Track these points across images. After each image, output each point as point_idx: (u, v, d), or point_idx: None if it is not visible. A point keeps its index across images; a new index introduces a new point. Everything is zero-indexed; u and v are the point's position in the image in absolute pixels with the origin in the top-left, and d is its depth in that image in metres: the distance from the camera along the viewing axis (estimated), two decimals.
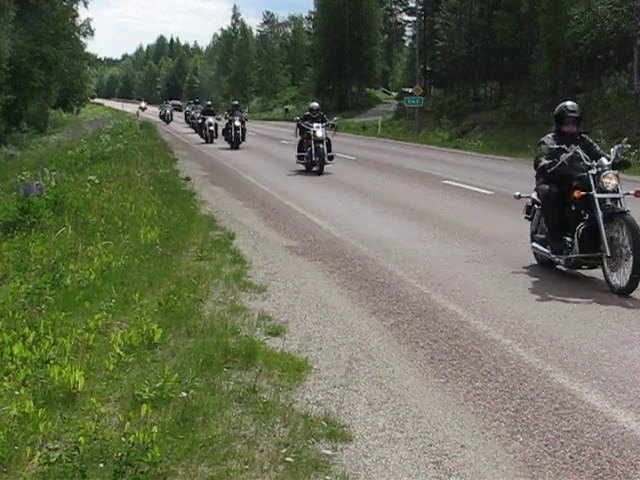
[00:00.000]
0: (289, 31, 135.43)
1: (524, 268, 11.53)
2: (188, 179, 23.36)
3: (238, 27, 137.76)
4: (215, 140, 44.02)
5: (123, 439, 5.37)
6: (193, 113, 59.24)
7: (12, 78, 40.88)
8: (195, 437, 5.58)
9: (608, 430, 5.94)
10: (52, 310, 8.49)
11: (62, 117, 73.72)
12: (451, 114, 56.05)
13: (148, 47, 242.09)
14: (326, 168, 26.20)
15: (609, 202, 10.30)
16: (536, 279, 10.88)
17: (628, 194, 10.51)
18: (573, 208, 10.74)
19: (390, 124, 65.29)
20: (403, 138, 51.82)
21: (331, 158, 26.86)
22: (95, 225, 13.71)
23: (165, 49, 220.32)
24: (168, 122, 73.31)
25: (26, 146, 42.77)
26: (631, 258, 9.70)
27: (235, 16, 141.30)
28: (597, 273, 10.67)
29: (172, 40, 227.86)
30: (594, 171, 10.63)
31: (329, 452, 5.54)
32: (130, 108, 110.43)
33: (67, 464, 5.01)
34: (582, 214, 10.55)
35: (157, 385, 6.30)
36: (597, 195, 10.33)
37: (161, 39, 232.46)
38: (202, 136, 46.49)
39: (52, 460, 5.12)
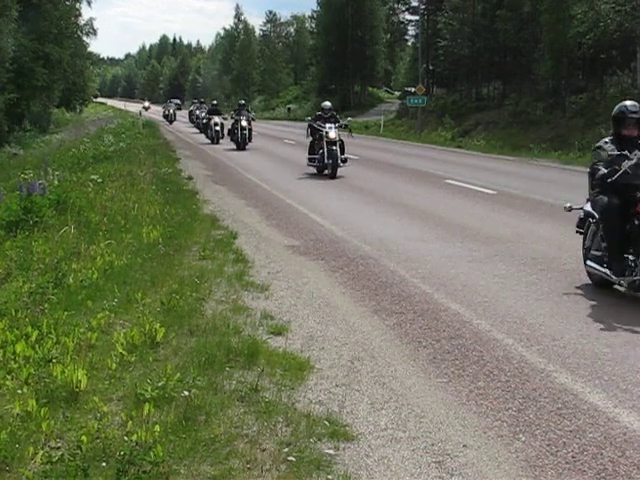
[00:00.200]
0: (292, 30, 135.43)
1: (526, 268, 11.52)
2: (191, 178, 23.36)
3: (241, 26, 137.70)
4: (221, 141, 42.60)
5: (125, 438, 5.37)
6: (198, 113, 57.90)
7: (15, 77, 40.87)
8: (197, 436, 5.58)
9: (610, 430, 5.94)
10: (55, 309, 8.50)
11: (65, 116, 73.71)
12: (453, 113, 56.00)
13: (151, 46, 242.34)
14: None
15: None
16: (537, 279, 10.87)
17: None
18: (637, 222, 9.46)
19: (392, 123, 65.29)
20: (405, 137, 51.84)
21: (344, 161, 25.25)
22: (98, 224, 13.72)
23: (168, 48, 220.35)
24: (171, 122, 72.38)
25: (29, 145, 42.78)
26: None
27: (238, 15, 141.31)
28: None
29: (175, 39, 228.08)
30: None
31: (331, 451, 5.54)
32: (133, 107, 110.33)
33: (69, 463, 5.02)
34: None
35: (159, 384, 6.30)
36: None
37: (164, 38, 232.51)
38: (207, 136, 45.40)
39: (54, 459, 5.13)
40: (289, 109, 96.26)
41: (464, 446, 5.70)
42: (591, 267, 10.35)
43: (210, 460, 5.31)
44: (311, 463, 5.32)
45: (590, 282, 10.50)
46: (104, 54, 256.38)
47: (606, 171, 9.85)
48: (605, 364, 7.34)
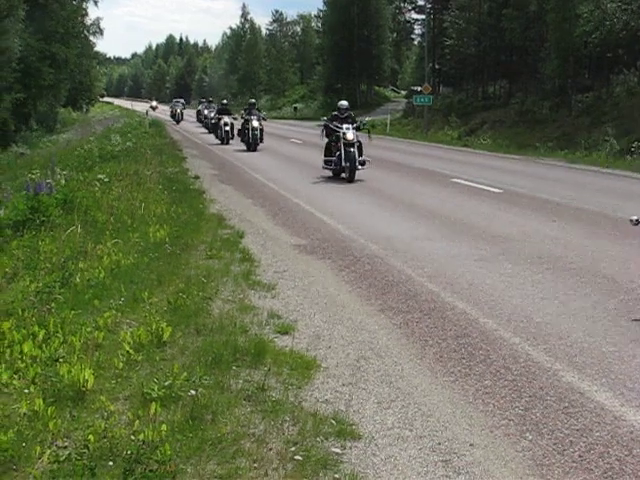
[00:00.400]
0: (298, 30, 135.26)
1: (532, 266, 11.51)
2: (197, 177, 23.36)
3: (247, 26, 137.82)
4: (231, 141, 41.28)
5: (132, 437, 5.38)
6: (206, 112, 56.60)
7: (22, 77, 40.93)
8: (204, 435, 5.59)
9: (617, 429, 5.94)
10: (62, 308, 8.51)
11: (71, 116, 73.79)
12: (460, 112, 56.00)
13: (157, 46, 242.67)
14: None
15: None
16: (543, 278, 10.86)
17: None
18: None
19: (399, 122, 65.28)
20: (412, 136, 51.79)
21: (363, 163, 23.81)
22: (104, 224, 13.73)
23: (174, 48, 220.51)
24: (179, 121, 71.63)
25: (35, 145, 42.84)
26: None
27: (244, 15, 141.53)
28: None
29: (181, 39, 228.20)
30: None
31: (338, 450, 5.55)
32: (139, 107, 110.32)
33: (77, 462, 5.03)
34: None
35: (166, 383, 6.31)
36: None
37: (170, 38, 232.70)
38: (217, 137, 43.76)
39: (62, 458, 5.14)
40: (295, 108, 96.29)
41: (471, 445, 5.70)
42: None
43: (217, 459, 5.31)
44: (318, 462, 5.33)
45: (594, 280, 10.50)
46: (111, 53, 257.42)
47: None
48: (612, 363, 7.34)
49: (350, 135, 23.38)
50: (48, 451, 5.24)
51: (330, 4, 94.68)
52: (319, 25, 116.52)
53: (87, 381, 6.28)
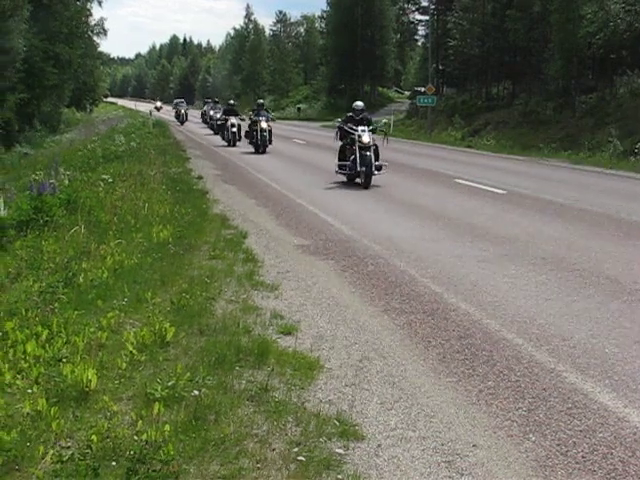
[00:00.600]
0: (302, 30, 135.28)
1: (535, 267, 11.51)
2: (200, 178, 23.37)
3: (251, 26, 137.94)
4: (238, 143, 40.11)
5: (135, 437, 5.38)
6: (212, 113, 55.78)
7: (25, 77, 40.94)
8: (207, 436, 5.59)
9: (621, 430, 5.93)
10: (65, 309, 8.51)
11: (75, 116, 73.77)
12: (463, 113, 55.99)
13: (161, 46, 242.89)
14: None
15: None
16: (547, 279, 10.85)
17: None
18: None
19: (402, 123, 65.25)
20: (415, 137, 51.79)
21: (379, 168, 22.43)
22: (108, 224, 13.73)
23: (178, 48, 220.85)
24: (183, 122, 71.20)
25: (39, 145, 42.83)
26: None
27: (248, 15, 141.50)
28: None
29: (185, 39, 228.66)
30: None
31: (341, 451, 5.55)
32: (143, 107, 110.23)
33: (80, 462, 5.03)
34: None
35: (169, 384, 6.31)
36: None
37: (174, 38, 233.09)
38: (223, 138, 42.34)
39: (65, 458, 5.14)
40: (299, 109, 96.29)
41: (474, 446, 5.70)
42: None
43: (220, 459, 5.32)
44: (321, 463, 5.33)
45: (598, 281, 10.50)
46: (114, 54, 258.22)
47: None
48: (615, 364, 7.34)
49: (366, 138, 22.13)
50: (51, 451, 5.24)
51: (334, 5, 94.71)
52: (323, 26, 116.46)
53: (90, 381, 6.29)
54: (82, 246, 11.81)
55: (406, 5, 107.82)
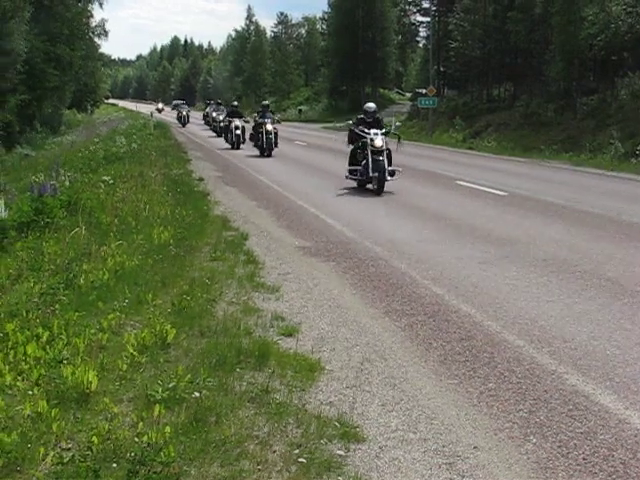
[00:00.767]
0: (303, 32, 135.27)
1: (537, 269, 11.50)
2: (202, 179, 23.37)
3: (252, 28, 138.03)
4: (242, 146, 39.06)
5: (136, 439, 5.38)
6: (215, 115, 54.22)
7: (26, 78, 40.96)
8: (208, 437, 5.58)
9: (622, 432, 5.93)
10: (66, 310, 8.50)
11: (76, 117, 73.85)
12: (465, 115, 56.01)
13: (162, 48, 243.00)
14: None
15: None
16: (548, 280, 10.84)
17: None
18: None
19: (403, 125, 65.01)
20: (417, 139, 51.71)
21: (392, 174, 21.21)
22: (109, 225, 13.73)
23: (179, 50, 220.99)
24: (185, 124, 70.39)
25: (40, 146, 42.84)
26: None
27: (249, 17, 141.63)
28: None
29: (186, 41, 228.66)
30: None
31: (342, 453, 5.55)
32: (144, 108, 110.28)
33: (80, 464, 5.03)
34: None
35: (170, 385, 6.31)
36: None
37: (175, 40, 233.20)
38: (227, 141, 41.11)
39: (65, 460, 5.14)
40: (300, 110, 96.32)
41: (475, 448, 5.69)
42: None
43: (220, 461, 5.31)
44: (322, 464, 5.33)
45: (599, 283, 10.50)
46: (115, 55, 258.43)
47: None
48: (616, 366, 7.33)
49: (379, 142, 21.00)
50: (52, 453, 5.23)
51: (335, 6, 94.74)
52: (324, 27, 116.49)
53: (91, 383, 6.28)
54: (83, 248, 11.81)
55: (407, 7, 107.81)
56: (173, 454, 5.10)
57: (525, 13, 50.33)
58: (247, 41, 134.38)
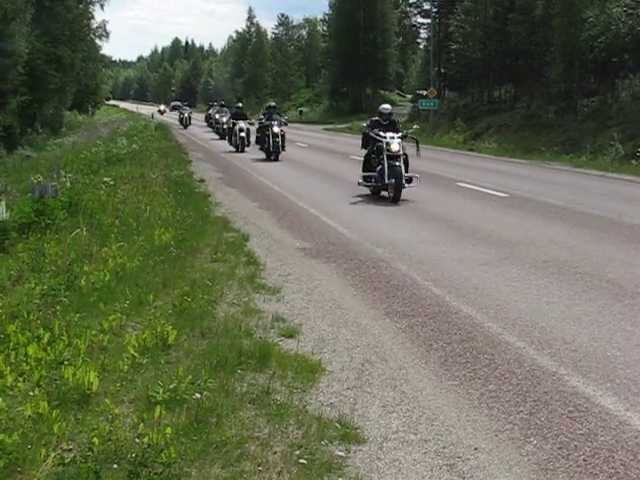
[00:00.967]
0: (304, 33, 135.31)
1: (537, 271, 11.50)
2: (202, 181, 23.38)
3: (253, 29, 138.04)
4: (247, 148, 37.64)
5: (137, 440, 5.38)
6: (218, 117, 52.58)
7: (28, 80, 40.96)
8: (209, 438, 5.59)
9: (622, 433, 5.93)
10: (67, 311, 8.51)
11: (77, 119, 73.74)
12: (465, 116, 56.07)
13: (163, 49, 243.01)
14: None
15: None
16: (549, 282, 10.84)
17: None
18: None
19: (404, 126, 65.24)
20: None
21: (409, 180, 20.03)
22: (110, 227, 13.73)
23: (180, 51, 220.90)
24: (186, 126, 69.21)
25: (41, 148, 42.82)
26: None
27: (250, 18, 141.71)
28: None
29: (187, 42, 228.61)
30: None
31: (342, 454, 5.55)
32: (145, 110, 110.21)
33: (81, 465, 5.03)
34: None
35: (171, 386, 6.31)
36: None
37: (176, 41, 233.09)
38: (231, 143, 39.74)
39: (66, 461, 5.14)
40: (301, 112, 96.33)
41: (475, 449, 5.70)
42: None
43: (221, 462, 5.32)
44: (322, 466, 5.33)
45: (600, 285, 10.51)
46: (116, 56, 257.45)
47: None
48: (617, 367, 7.33)
49: (395, 146, 19.74)
50: (53, 454, 5.24)
51: (336, 8, 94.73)
52: (325, 29, 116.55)
53: (92, 384, 6.29)
54: (84, 249, 11.81)
55: (408, 8, 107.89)
56: (174, 455, 5.10)
57: (526, 15, 50.40)
58: (248, 42, 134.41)
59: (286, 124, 34.90)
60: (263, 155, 33.25)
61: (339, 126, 73.32)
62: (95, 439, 5.35)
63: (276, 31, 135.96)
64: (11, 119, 39.12)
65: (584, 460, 5.51)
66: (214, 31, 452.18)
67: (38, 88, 44.48)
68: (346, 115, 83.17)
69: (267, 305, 9.56)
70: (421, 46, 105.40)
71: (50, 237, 12.88)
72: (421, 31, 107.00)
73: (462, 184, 23.27)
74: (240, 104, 45.64)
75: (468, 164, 32.23)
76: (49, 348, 7.28)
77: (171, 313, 8.75)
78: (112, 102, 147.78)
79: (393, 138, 19.89)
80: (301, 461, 5.36)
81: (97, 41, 71.48)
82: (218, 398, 6.27)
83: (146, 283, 10.06)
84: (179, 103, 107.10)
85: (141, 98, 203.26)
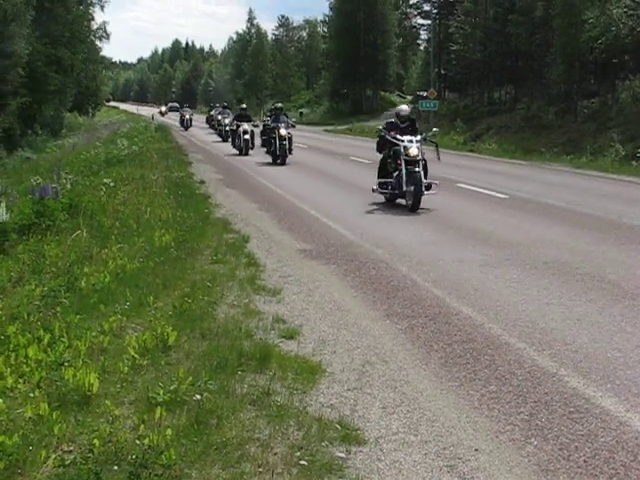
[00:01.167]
0: (304, 35, 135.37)
1: (537, 272, 11.50)
2: (202, 182, 23.37)
3: (253, 31, 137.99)
4: (251, 151, 36.80)
5: (137, 442, 5.38)
6: (220, 118, 51.39)
7: (28, 81, 41.03)
8: (209, 440, 5.59)
9: (622, 434, 5.92)
10: (67, 313, 8.51)
11: (77, 120, 73.80)
12: (465, 118, 56.11)
13: (163, 50, 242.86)
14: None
15: None
16: (549, 283, 10.84)
17: None
18: None
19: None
20: None
21: (428, 187, 18.47)
22: (110, 228, 13.74)
23: (180, 52, 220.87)
24: (187, 128, 68.41)
25: (41, 149, 42.88)
26: None
27: (250, 20, 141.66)
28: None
29: (187, 43, 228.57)
30: None
31: (343, 455, 5.55)
32: (145, 111, 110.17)
33: (82, 466, 5.03)
34: None
35: (171, 388, 6.31)
36: None
37: (176, 42, 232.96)
38: (234, 146, 38.48)
39: (67, 462, 5.15)
40: (301, 113, 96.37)
41: (476, 450, 5.69)
42: None
43: (222, 464, 5.32)
44: (323, 467, 5.33)
45: (600, 286, 10.51)
46: (117, 58, 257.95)
47: None
48: (617, 368, 7.33)
49: (414, 150, 18.19)
50: (53, 455, 5.24)
51: (336, 9, 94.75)
52: (325, 30, 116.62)
53: (92, 385, 6.29)
54: (84, 250, 11.82)
55: (408, 10, 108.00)
56: (174, 457, 5.10)
57: (526, 16, 50.43)
58: (248, 44, 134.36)
59: (293, 126, 33.68)
60: (268, 158, 32.28)
61: (339, 127, 73.35)
62: (95, 440, 5.35)
63: (276, 32, 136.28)
64: (11, 120, 39.18)
65: (584, 461, 5.51)
66: (214, 32, 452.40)
67: (38, 90, 44.54)
68: (346, 116, 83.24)
69: (267, 306, 9.55)
70: (421, 47, 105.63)
71: (50, 238, 12.90)
72: (421, 32, 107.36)
73: (462, 185, 23.27)
74: (244, 105, 44.67)
75: (468, 165, 32.23)
76: (49, 349, 7.28)
77: (171, 314, 8.75)
78: (112, 104, 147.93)
79: (411, 142, 18.38)
80: (301, 462, 5.36)
81: (97, 42, 71.68)
82: (218, 399, 6.27)
83: (146, 284, 10.06)
84: (176, 104, 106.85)
85: (141, 100, 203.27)
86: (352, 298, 10.22)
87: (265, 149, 32.74)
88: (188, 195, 19.43)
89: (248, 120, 38.25)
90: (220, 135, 50.85)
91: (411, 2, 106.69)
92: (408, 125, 19.33)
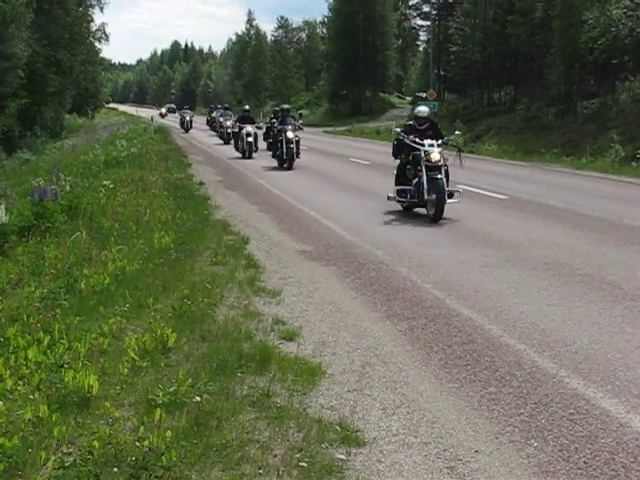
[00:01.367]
0: (303, 36, 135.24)
1: (538, 273, 11.50)
2: (202, 184, 23.36)
3: (252, 32, 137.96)
4: (254, 154, 35.47)
5: (137, 443, 5.37)
6: (222, 120, 49.87)
7: (27, 83, 41.04)
8: (209, 442, 5.58)
9: (623, 435, 5.92)
10: (66, 314, 8.50)
11: (77, 122, 73.85)
12: (465, 119, 56.03)
13: (162, 52, 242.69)
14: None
15: None
16: (549, 284, 10.84)
17: None
18: None
19: (404, 129, 65.20)
20: None
21: (451, 195, 17.11)
22: (109, 230, 13.74)
23: (179, 54, 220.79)
24: (187, 130, 67.46)
25: (41, 151, 42.90)
26: None
27: (250, 21, 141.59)
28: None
29: (186, 45, 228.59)
30: None
31: (343, 457, 5.54)
32: (144, 113, 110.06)
33: (81, 468, 5.02)
34: None
35: (171, 390, 6.31)
36: None
37: (175, 44, 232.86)
38: (237, 149, 37.26)
39: (66, 464, 5.14)
40: (300, 114, 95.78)
41: (476, 451, 5.69)
42: None
43: (221, 465, 5.31)
44: (323, 468, 5.32)
45: (600, 287, 10.50)
46: (116, 59, 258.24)
47: None
48: (617, 370, 7.32)
49: (436, 155, 16.81)
50: (53, 457, 5.23)
51: (335, 11, 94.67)
52: (324, 31, 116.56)
53: (92, 387, 6.28)
54: (84, 252, 11.81)
55: (407, 11, 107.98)
56: (174, 458, 5.10)
57: (525, 17, 50.45)
58: (248, 45, 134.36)
59: (301, 128, 32.46)
60: (273, 162, 31.14)
61: (338, 129, 73.33)
62: (95, 442, 5.34)
63: (276, 34, 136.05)
64: (11, 122, 39.19)
65: (585, 462, 5.50)
66: (214, 34, 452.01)
67: (37, 91, 44.56)
68: (345, 118, 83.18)
69: (267, 308, 9.55)
70: (420, 48, 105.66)
71: (50, 240, 12.90)
72: (420, 33, 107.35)
73: (462, 186, 23.21)
74: (247, 107, 43.23)
75: (468, 166, 31.85)
76: (49, 351, 7.28)
77: (171, 316, 8.75)
78: (112, 105, 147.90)
79: (432, 146, 16.98)
80: (301, 464, 5.35)
81: (96, 44, 71.73)
82: (218, 401, 6.26)
83: (146, 286, 10.06)
84: (173, 106, 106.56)
85: (141, 101, 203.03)
86: (352, 299, 10.22)
87: (270, 152, 31.70)
88: (188, 197, 19.41)
89: (251, 122, 37.15)
90: (222, 137, 49.60)
91: (410, 3, 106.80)
92: (427, 127, 17.95)
